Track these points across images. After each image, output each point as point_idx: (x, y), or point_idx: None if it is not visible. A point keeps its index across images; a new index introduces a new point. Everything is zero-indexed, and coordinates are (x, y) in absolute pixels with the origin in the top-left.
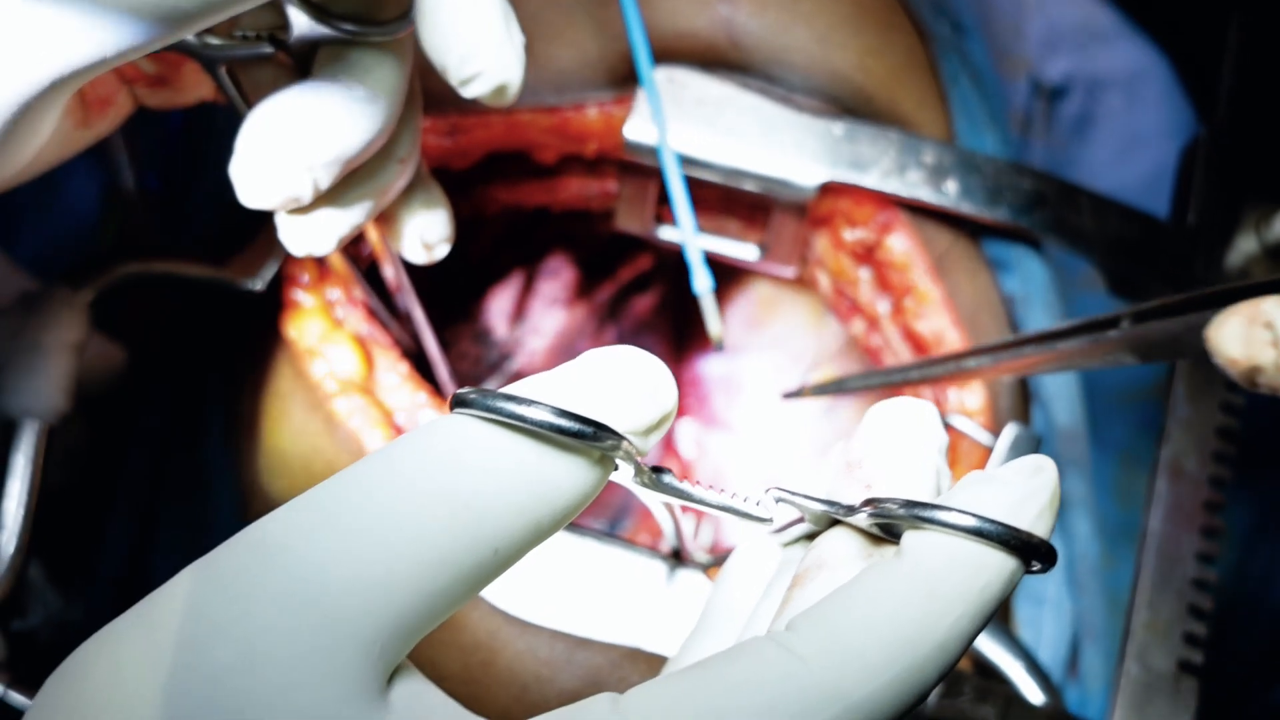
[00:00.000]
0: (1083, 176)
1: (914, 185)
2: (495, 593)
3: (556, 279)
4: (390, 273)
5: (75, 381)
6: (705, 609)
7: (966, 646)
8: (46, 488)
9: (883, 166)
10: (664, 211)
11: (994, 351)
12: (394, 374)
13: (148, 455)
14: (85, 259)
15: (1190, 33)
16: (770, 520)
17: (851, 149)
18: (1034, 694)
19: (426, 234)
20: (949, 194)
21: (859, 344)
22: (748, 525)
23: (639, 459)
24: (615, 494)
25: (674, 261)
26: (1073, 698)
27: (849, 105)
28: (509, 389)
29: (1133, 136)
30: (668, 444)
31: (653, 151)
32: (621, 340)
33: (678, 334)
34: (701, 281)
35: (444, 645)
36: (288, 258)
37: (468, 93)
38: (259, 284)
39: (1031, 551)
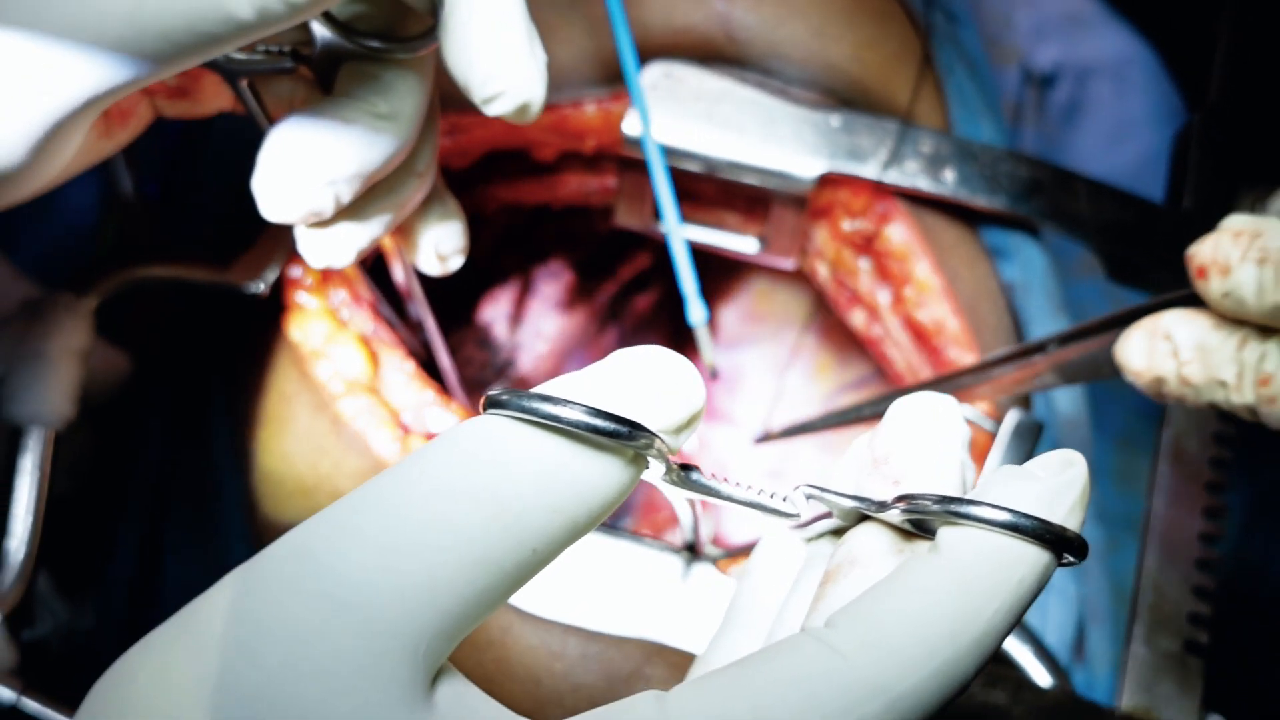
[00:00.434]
0: (1073, 163)
1: (912, 175)
2: None
3: (557, 280)
4: (400, 276)
5: (80, 388)
6: (731, 605)
7: (1003, 639)
8: (52, 496)
9: (880, 157)
10: None
11: (936, 384)
12: (400, 373)
13: (155, 461)
14: (86, 265)
15: (1179, 17)
16: (797, 516)
17: (849, 140)
18: (1042, 678)
19: (441, 245)
20: (947, 183)
21: (860, 335)
22: (774, 520)
23: (671, 457)
24: None
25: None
26: (1080, 681)
27: (845, 97)
28: (542, 389)
29: (1122, 123)
30: None
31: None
32: (623, 340)
33: (678, 332)
34: (696, 314)
35: None
36: (289, 260)
37: (491, 110)
38: (262, 287)
39: (1065, 545)
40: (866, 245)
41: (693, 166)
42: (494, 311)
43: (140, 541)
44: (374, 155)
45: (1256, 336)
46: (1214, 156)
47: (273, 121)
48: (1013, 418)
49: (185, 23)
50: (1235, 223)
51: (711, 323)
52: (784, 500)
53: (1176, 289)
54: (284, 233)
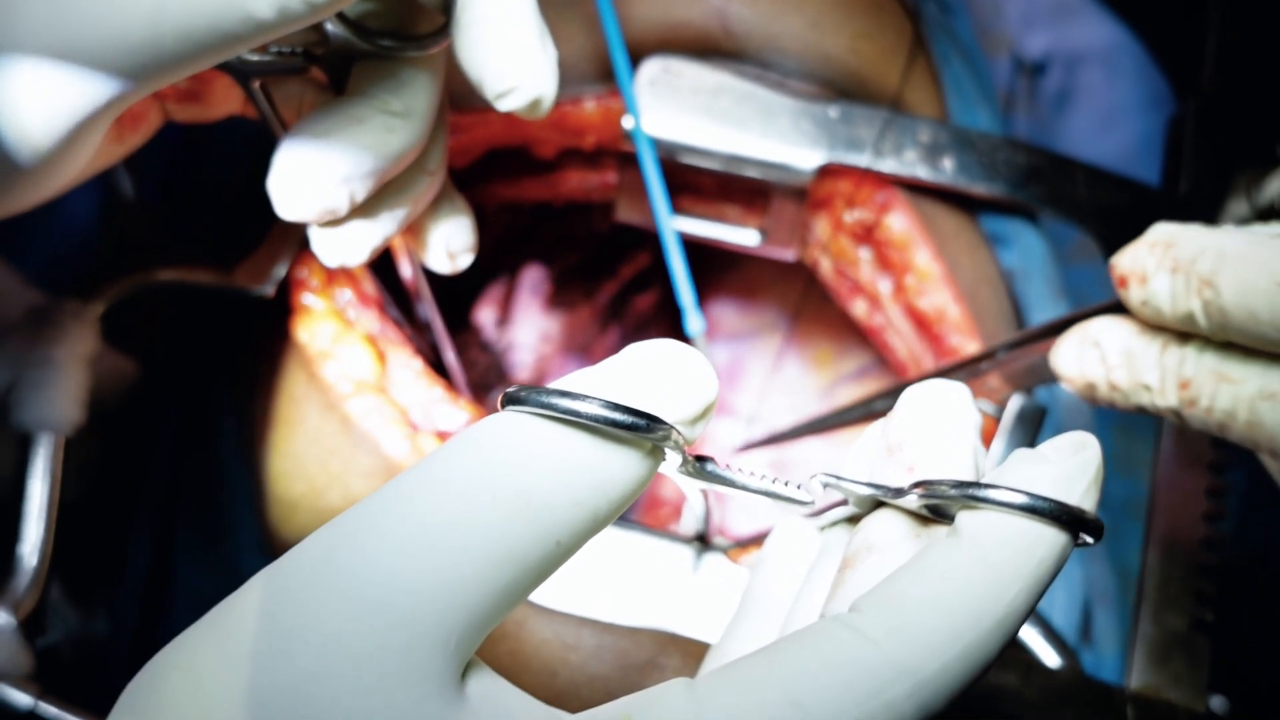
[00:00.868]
0: (1066, 150)
1: (911, 164)
2: None
3: (558, 280)
4: (408, 272)
5: (89, 393)
6: (745, 594)
7: (1025, 619)
8: (62, 502)
9: (879, 147)
10: None
11: (893, 394)
12: (408, 371)
13: (164, 465)
14: (91, 271)
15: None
16: (811, 503)
17: (847, 131)
18: (1051, 659)
19: (452, 243)
20: (946, 171)
21: (861, 324)
22: (789, 509)
23: (686, 448)
24: None
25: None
26: (1087, 662)
27: (843, 88)
28: (558, 384)
29: (1112, 109)
30: None
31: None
32: (625, 339)
33: (679, 332)
34: (695, 325)
35: None
36: (295, 261)
37: (503, 106)
38: (268, 289)
39: (1081, 525)
40: (867, 235)
41: (692, 160)
42: (496, 312)
43: (151, 546)
44: (388, 153)
45: (1176, 341)
46: (1208, 140)
47: (284, 123)
48: (1016, 403)
49: (207, 23)
50: (1154, 233)
51: (710, 317)
52: (798, 488)
53: None
54: (288, 235)
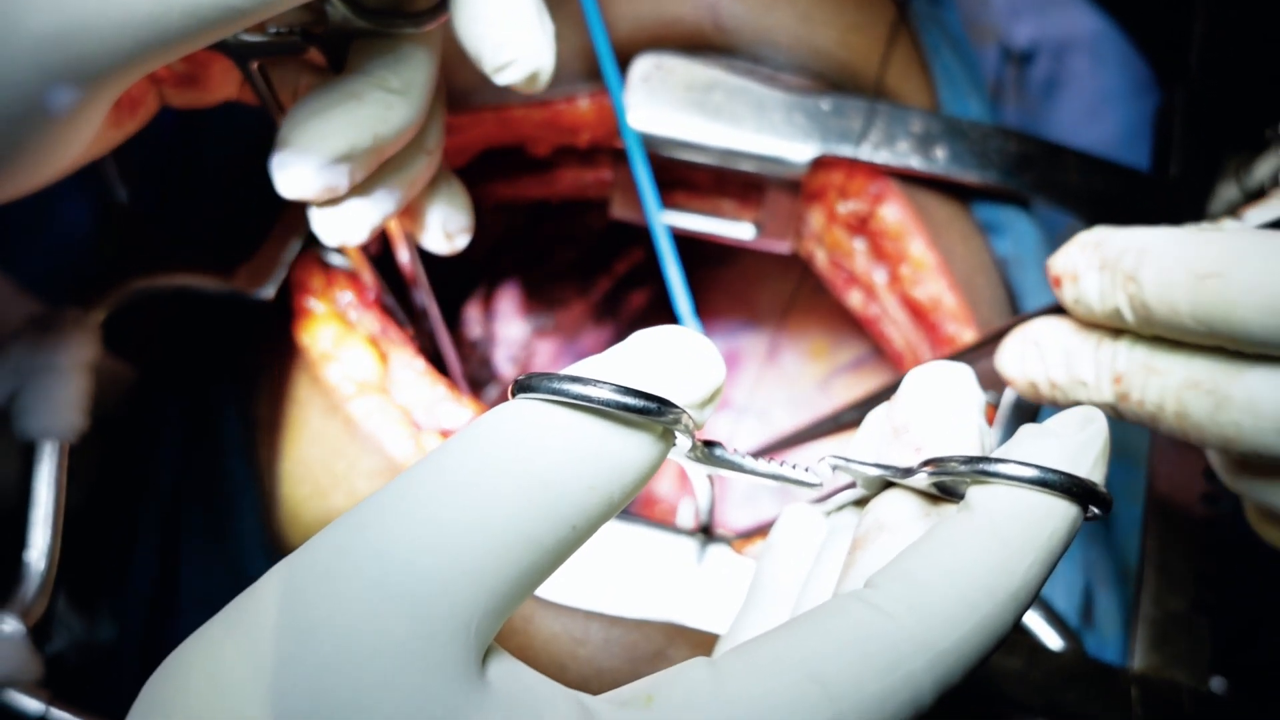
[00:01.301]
0: (1055, 138)
1: (903, 154)
2: None
3: (554, 277)
4: (405, 256)
5: (91, 400)
6: (754, 581)
7: (1038, 592)
8: (66, 509)
9: (872, 138)
10: (659, 196)
11: (862, 404)
12: (410, 370)
13: (168, 470)
14: (89, 278)
15: None
16: (820, 485)
17: (840, 123)
18: (1054, 642)
19: (450, 223)
20: (938, 161)
21: (857, 315)
22: (798, 491)
23: (695, 432)
24: None
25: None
26: (1090, 644)
27: (834, 81)
28: (569, 371)
29: (1100, 96)
30: None
31: (646, 138)
32: (620, 335)
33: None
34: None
35: None
36: (295, 264)
37: (501, 79)
38: (268, 292)
39: (1091, 497)
40: (861, 226)
41: (686, 156)
42: (491, 309)
43: (156, 551)
44: (387, 130)
45: (1109, 338)
46: (1197, 125)
47: (282, 106)
48: (1013, 390)
49: None
50: (1085, 235)
51: (705, 310)
52: (806, 471)
53: None
54: (288, 237)
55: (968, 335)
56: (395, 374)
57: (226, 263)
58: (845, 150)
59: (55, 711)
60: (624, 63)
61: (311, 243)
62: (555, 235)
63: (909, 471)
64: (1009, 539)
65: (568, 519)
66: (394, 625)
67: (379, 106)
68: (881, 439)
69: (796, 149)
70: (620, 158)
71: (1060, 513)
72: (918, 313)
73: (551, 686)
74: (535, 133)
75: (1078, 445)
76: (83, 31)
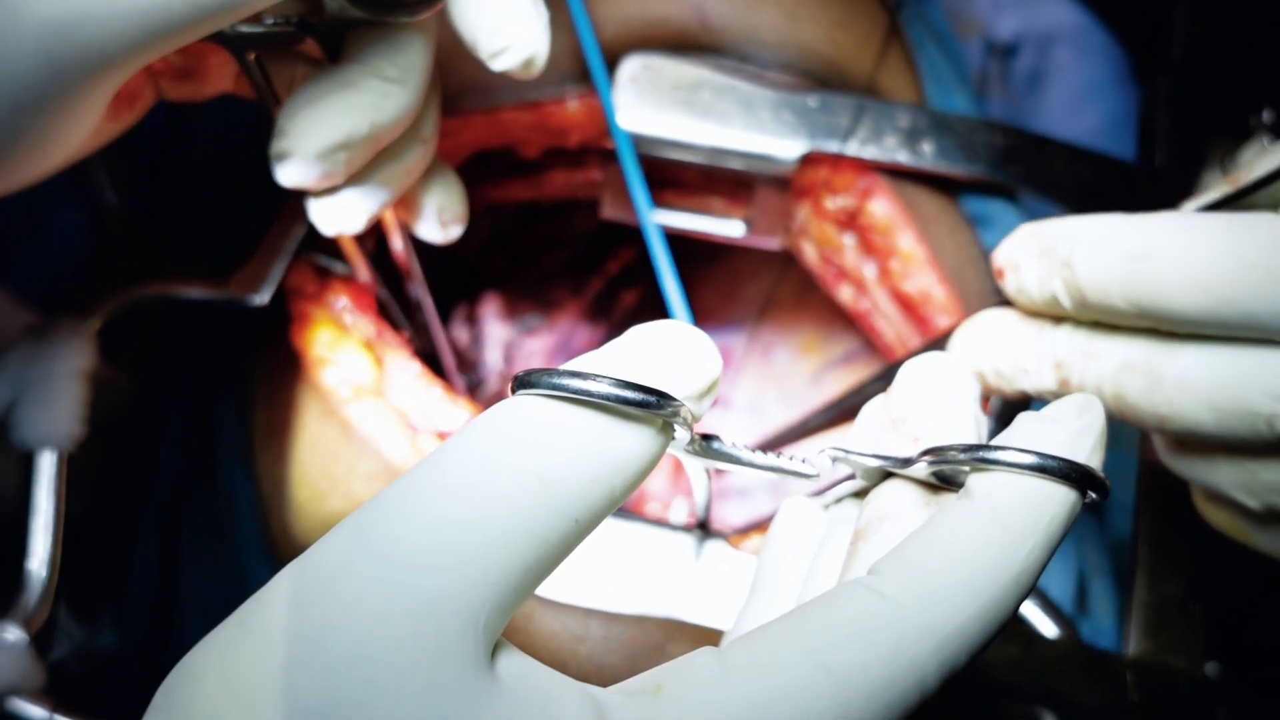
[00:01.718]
0: (1041, 129)
1: (891, 149)
2: None
3: (545, 277)
4: (399, 246)
5: (88, 408)
6: (757, 575)
7: (1039, 576)
8: (65, 517)
9: (859, 134)
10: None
11: (882, 377)
12: (406, 373)
13: (166, 477)
14: (83, 287)
15: None
16: (817, 476)
17: (827, 119)
18: (1050, 630)
19: (444, 212)
20: (925, 155)
21: (848, 309)
22: (796, 483)
23: (693, 425)
24: None
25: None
26: (1085, 631)
27: (821, 78)
28: (569, 366)
29: (1084, 87)
30: None
31: (635, 138)
32: (612, 334)
33: None
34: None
35: None
36: (289, 270)
37: (497, 65)
38: (263, 298)
39: (1090, 483)
40: (850, 221)
41: (676, 155)
42: (483, 310)
43: (156, 558)
44: (384, 118)
45: (1051, 325)
46: (1182, 115)
47: (278, 97)
48: None
49: None
50: (1027, 226)
51: (696, 307)
52: (803, 462)
53: None
54: (281, 243)
55: None
56: (391, 377)
57: (221, 269)
58: (833, 146)
59: (59, 719)
60: (612, 64)
61: (305, 248)
62: (547, 236)
63: (908, 461)
64: (1010, 525)
65: (571, 512)
66: (403, 623)
67: (375, 95)
68: (879, 430)
69: (785, 146)
70: (610, 158)
71: (1060, 498)
72: (908, 306)
73: (561, 679)
74: (525, 135)
75: (1076, 431)
76: (88, 20)
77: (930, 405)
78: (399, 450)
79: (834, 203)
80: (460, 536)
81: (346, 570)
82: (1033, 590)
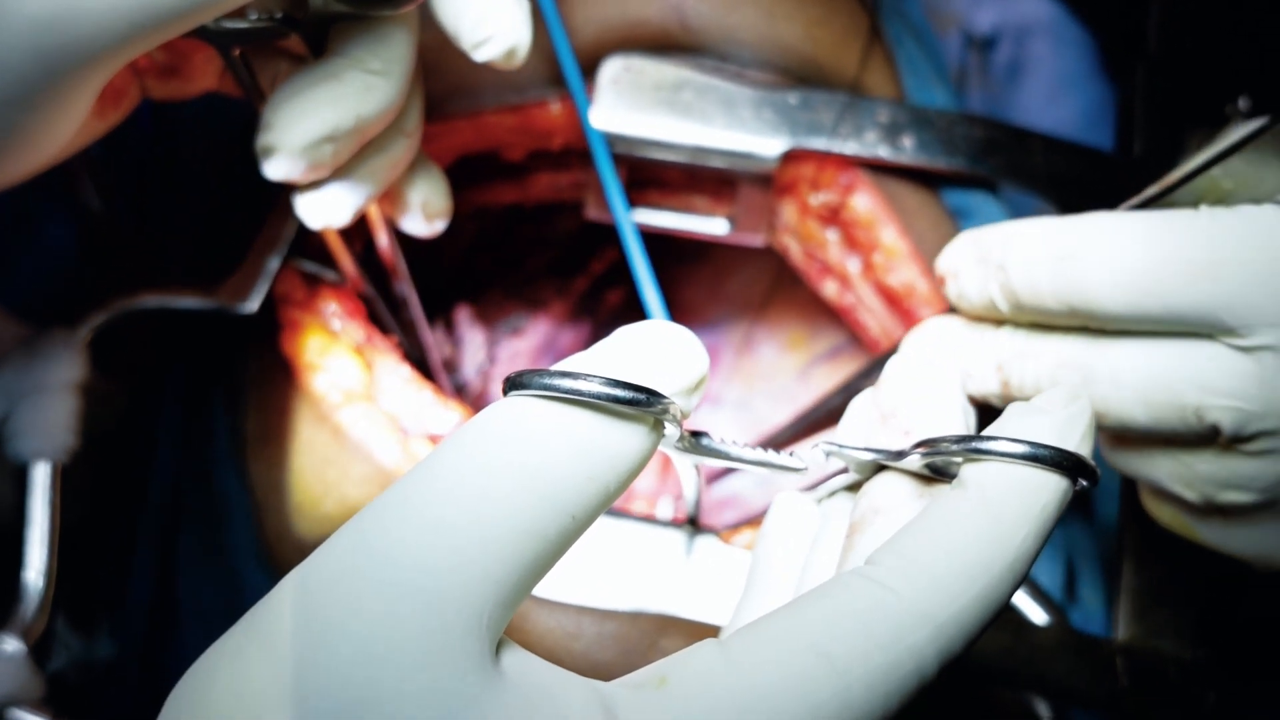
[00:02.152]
0: (1019, 121)
1: (872, 145)
2: None
3: (530, 278)
4: (384, 241)
5: (81, 419)
6: (752, 570)
7: (1032, 563)
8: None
9: (840, 130)
10: (633, 195)
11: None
12: (396, 377)
13: (160, 485)
14: (73, 298)
15: None
16: (805, 470)
17: (808, 116)
18: (1039, 617)
19: (429, 206)
20: (906, 149)
21: (833, 304)
22: (785, 477)
23: (682, 421)
24: None
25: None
26: (1074, 618)
27: (801, 75)
28: (559, 366)
29: (1061, 79)
30: None
31: (618, 139)
32: (597, 334)
33: None
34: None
35: None
36: (278, 277)
37: (480, 56)
38: (252, 306)
39: (1080, 470)
40: (833, 216)
41: (658, 155)
42: (468, 311)
43: (153, 566)
44: (368, 110)
45: (992, 329)
46: (1159, 104)
47: (262, 93)
48: None
49: None
50: (964, 234)
51: (682, 305)
52: (790, 456)
53: None
54: (269, 251)
55: None
56: (381, 381)
57: (210, 270)
58: (814, 143)
59: None
60: (593, 66)
61: (293, 255)
62: (532, 238)
63: (901, 454)
64: (1003, 513)
65: (567, 509)
66: (407, 623)
67: (360, 87)
68: (868, 424)
69: (766, 143)
70: (592, 159)
71: (1051, 486)
72: (892, 300)
73: (566, 675)
74: (509, 138)
75: (1065, 420)
76: (78, 12)
77: (920, 398)
78: (391, 454)
79: (816, 199)
80: (460, 536)
81: (350, 573)
82: (1026, 577)
